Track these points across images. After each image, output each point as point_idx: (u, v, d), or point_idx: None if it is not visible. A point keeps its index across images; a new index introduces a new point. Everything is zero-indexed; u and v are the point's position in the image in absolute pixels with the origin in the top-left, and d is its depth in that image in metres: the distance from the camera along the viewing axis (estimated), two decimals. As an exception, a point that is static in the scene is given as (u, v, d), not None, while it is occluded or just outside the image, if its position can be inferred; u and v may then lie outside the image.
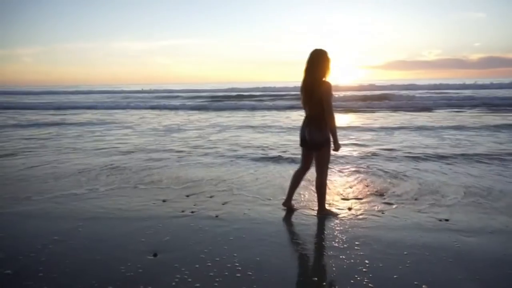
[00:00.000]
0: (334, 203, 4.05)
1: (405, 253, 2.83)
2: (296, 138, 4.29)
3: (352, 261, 2.71)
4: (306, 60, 3.43)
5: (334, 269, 2.60)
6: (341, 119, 13.11)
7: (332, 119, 3.38)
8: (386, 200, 4.12)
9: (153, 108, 20.16)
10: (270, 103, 20.97)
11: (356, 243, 3.02)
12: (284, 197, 3.90)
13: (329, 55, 3.41)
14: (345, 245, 2.98)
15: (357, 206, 3.93)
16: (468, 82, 40.32)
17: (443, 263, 2.66)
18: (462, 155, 6.48)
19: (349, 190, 4.58)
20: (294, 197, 4.11)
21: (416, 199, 4.16)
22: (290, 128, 10.63)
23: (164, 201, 4.19)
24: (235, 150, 7.34)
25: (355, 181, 4.97)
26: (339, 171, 5.53)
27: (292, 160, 6.00)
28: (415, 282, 2.40)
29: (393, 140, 8.27)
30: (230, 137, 9.16)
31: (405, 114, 14.65)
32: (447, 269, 2.58)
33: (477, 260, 2.72)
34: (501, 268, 2.61)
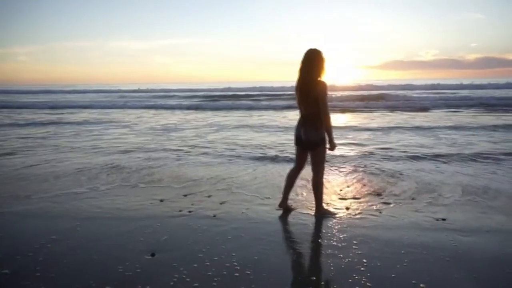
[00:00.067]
0: (332, 202, 4.06)
1: (402, 252, 2.84)
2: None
3: (350, 260, 2.71)
4: (301, 60, 3.43)
5: (332, 268, 2.61)
6: (338, 119, 13.14)
7: (327, 118, 3.39)
8: (383, 200, 4.13)
9: (150, 107, 20.11)
10: (267, 103, 20.97)
11: (354, 242, 3.03)
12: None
13: (324, 54, 3.42)
14: (343, 244, 2.98)
15: (355, 206, 3.94)
16: (464, 82, 40.46)
17: (441, 262, 2.67)
18: (459, 154, 6.52)
19: (347, 189, 4.59)
20: (291, 197, 4.12)
21: (413, 199, 4.17)
22: (287, 127, 10.63)
23: (161, 200, 4.18)
24: (233, 150, 7.34)
25: (353, 181, 4.99)
26: (337, 171, 5.55)
27: (290, 159, 5.98)
28: (413, 281, 2.41)
29: (390, 140, 8.30)
30: (227, 137, 9.16)
31: (402, 114, 14.69)
32: (444, 268, 2.59)
33: (474, 259, 2.73)
34: (498, 267, 2.63)
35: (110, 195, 4.43)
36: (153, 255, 2.82)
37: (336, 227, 3.35)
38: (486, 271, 2.56)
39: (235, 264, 2.66)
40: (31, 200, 4.26)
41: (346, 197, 4.26)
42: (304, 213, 3.74)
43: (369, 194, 4.37)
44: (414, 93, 26.21)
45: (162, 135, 9.68)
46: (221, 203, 4.06)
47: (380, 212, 3.72)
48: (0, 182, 5.07)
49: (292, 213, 3.76)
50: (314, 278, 2.49)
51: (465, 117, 13.11)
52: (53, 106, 20.96)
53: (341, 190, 4.58)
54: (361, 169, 5.61)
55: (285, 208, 3.82)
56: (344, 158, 6.39)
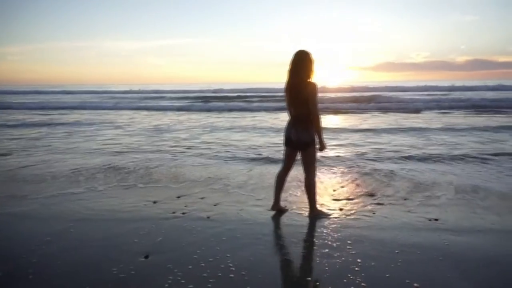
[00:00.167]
0: (325, 203, 4.07)
1: (396, 251, 2.87)
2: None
3: (344, 260, 2.73)
4: (290, 61, 3.45)
5: (327, 268, 2.62)
6: (330, 120, 13.21)
7: (318, 119, 3.41)
8: (376, 201, 4.16)
9: (142, 108, 19.98)
10: (260, 104, 20.98)
11: (348, 242, 3.06)
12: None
13: (312, 56, 3.44)
14: (337, 245, 3.00)
15: (348, 207, 3.97)
16: (455, 84, 40.93)
17: (434, 262, 2.70)
18: (450, 155, 6.60)
19: (340, 190, 4.62)
20: (284, 198, 4.14)
21: (405, 199, 4.21)
22: (281, 128, 10.65)
23: (154, 202, 4.16)
24: (226, 151, 7.33)
25: (346, 182, 5.01)
26: (330, 172, 5.57)
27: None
28: (407, 281, 2.44)
29: (382, 141, 8.36)
30: (221, 138, 9.14)
31: (393, 115, 14.80)
32: (437, 268, 2.62)
33: (467, 258, 2.77)
34: (489, 265, 2.66)
35: (103, 196, 4.40)
36: (146, 257, 2.81)
37: (330, 228, 3.37)
38: (478, 270, 2.59)
39: (230, 265, 2.66)
40: (25, 201, 4.23)
41: (339, 198, 4.28)
42: (298, 214, 3.75)
43: (362, 194, 4.40)
44: (405, 95, 26.45)
45: (155, 136, 9.63)
46: (214, 205, 4.05)
47: (374, 213, 3.75)
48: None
49: (286, 214, 3.77)
50: (309, 278, 2.50)
51: (456, 118, 13.26)
52: (44, 107, 20.73)
53: (334, 191, 4.60)
54: (353, 169, 5.64)
55: (278, 210, 3.82)
56: (337, 159, 6.42)
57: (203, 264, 2.67)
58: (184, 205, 4.03)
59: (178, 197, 4.36)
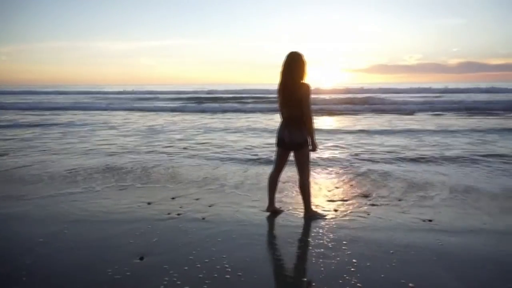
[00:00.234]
0: (320, 204, 4.09)
1: (391, 252, 2.89)
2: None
3: (340, 261, 2.74)
4: (283, 63, 3.46)
5: (323, 269, 2.63)
6: (324, 122, 13.27)
7: (310, 120, 3.43)
8: (371, 201, 4.19)
9: (136, 109, 19.87)
10: (255, 105, 20.99)
11: (344, 242, 3.07)
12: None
13: (305, 57, 3.45)
14: (332, 246, 3.01)
15: (343, 208, 3.98)
16: (447, 86, 41.36)
17: (428, 262, 2.72)
18: (442, 156, 6.66)
19: (335, 191, 4.64)
20: (280, 199, 4.15)
21: (400, 200, 4.24)
22: (275, 129, 10.65)
23: (149, 203, 4.14)
24: (221, 152, 7.32)
25: (340, 183, 5.04)
26: (324, 173, 5.59)
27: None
28: (402, 281, 2.46)
29: (376, 142, 8.41)
30: (215, 139, 9.13)
31: (387, 117, 14.90)
32: (432, 268, 2.64)
33: (460, 258, 2.80)
34: (482, 265, 2.69)
35: (97, 197, 4.37)
36: (141, 258, 2.79)
37: (325, 229, 3.38)
38: (472, 270, 2.62)
39: (226, 266, 2.66)
40: (19, 202, 4.20)
41: (334, 199, 4.30)
42: (293, 215, 3.76)
43: (357, 196, 4.42)
44: (399, 97, 26.67)
45: (150, 137, 9.59)
46: (210, 206, 4.04)
47: (368, 214, 3.77)
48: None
49: (281, 215, 3.78)
50: (305, 279, 2.51)
51: (448, 120, 13.39)
52: (36, 107, 20.54)
53: (329, 191, 4.62)
54: (348, 170, 5.67)
55: (273, 211, 3.82)
56: (331, 160, 6.45)
57: (199, 265, 2.67)
58: (179, 206, 4.02)
59: (173, 198, 4.35)
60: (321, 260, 2.76)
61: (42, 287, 2.41)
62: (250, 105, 21.28)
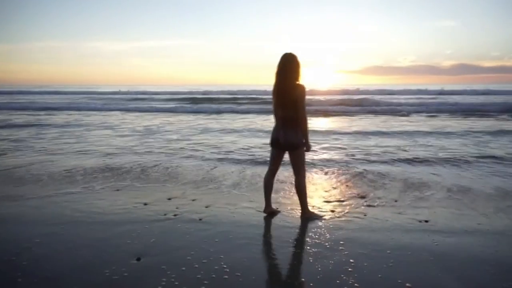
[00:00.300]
0: (317, 205, 4.10)
1: (388, 252, 2.90)
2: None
3: (337, 261, 2.75)
4: (277, 64, 3.48)
5: (320, 269, 2.63)
6: (320, 123, 13.30)
7: (305, 121, 3.46)
8: (367, 202, 4.20)
9: (132, 110, 19.79)
10: (251, 106, 20.99)
11: (341, 242, 3.08)
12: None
13: (299, 58, 3.47)
14: (330, 246, 3.02)
15: (340, 208, 4.00)
16: (441, 88, 41.64)
17: (425, 263, 2.74)
18: (437, 157, 6.71)
19: (331, 192, 4.65)
20: (277, 200, 4.15)
21: (396, 201, 4.27)
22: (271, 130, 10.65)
23: (145, 204, 4.12)
24: (217, 152, 7.32)
25: (337, 184, 5.06)
26: (321, 174, 5.61)
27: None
28: (399, 281, 2.47)
29: (371, 143, 8.45)
30: (212, 139, 9.12)
31: (382, 118, 14.98)
32: (429, 268, 2.66)
33: (456, 258, 2.82)
34: (479, 265, 2.72)
35: (93, 198, 4.35)
36: (138, 259, 2.78)
37: (322, 229, 3.39)
38: (468, 270, 2.64)
39: (224, 266, 2.65)
40: (14, 203, 4.17)
41: (331, 200, 4.31)
42: (290, 216, 3.76)
43: (353, 196, 4.44)
44: (393, 98, 26.81)
45: (145, 137, 9.55)
46: (206, 207, 4.03)
47: (365, 215, 3.79)
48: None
49: (278, 216, 3.78)
50: (304, 279, 2.51)
51: (442, 121, 13.48)
52: (30, 107, 20.39)
53: (326, 192, 4.64)
54: (344, 171, 5.69)
55: (270, 212, 3.82)
56: (327, 161, 6.46)
57: (196, 266, 2.66)
58: (176, 207, 4.01)
59: (169, 198, 4.33)
60: (318, 261, 2.77)
61: (39, 288, 2.39)
62: (246, 106, 21.28)
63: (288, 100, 3.42)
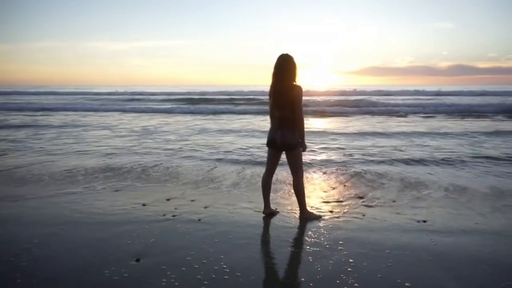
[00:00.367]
0: (316, 205, 4.11)
1: (387, 251, 2.92)
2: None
3: (337, 261, 2.76)
4: (274, 65, 3.50)
5: (320, 269, 2.64)
6: (317, 123, 13.32)
7: (302, 122, 3.48)
8: (365, 203, 4.22)
9: (129, 110, 19.72)
10: (249, 107, 21.00)
11: (340, 242, 3.10)
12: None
13: (295, 59, 3.50)
14: (329, 246, 3.03)
15: (338, 209, 4.01)
16: (437, 88, 41.80)
17: (424, 262, 2.76)
18: (433, 158, 6.74)
19: (330, 193, 4.67)
20: (276, 200, 4.16)
21: (394, 201, 4.29)
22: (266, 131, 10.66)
23: (144, 205, 4.12)
24: (215, 152, 7.32)
25: (335, 184, 5.07)
26: (319, 174, 5.62)
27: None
28: (398, 280, 2.48)
29: (369, 144, 8.48)
30: (209, 139, 9.12)
31: (380, 118, 15.02)
32: (428, 268, 2.68)
33: (455, 258, 2.84)
34: (476, 264, 2.74)
35: (91, 199, 4.34)
36: (138, 260, 2.77)
37: (321, 230, 3.40)
38: (465, 269, 2.66)
39: (224, 267, 2.66)
40: (13, 203, 4.15)
41: (329, 200, 4.32)
42: (288, 216, 3.78)
43: (352, 197, 4.46)
44: (391, 99, 26.89)
45: (143, 138, 9.53)
46: (205, 207, 4.03)
47: (363, 215, 3.80)
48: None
49: (277, 216, 3.79)
50: (303, 279, 2.52)
51: (439, 122, 13.54)
52: (24, 108, 20.29)
53: (324, 192, 4.66)
54: (342, 172, 5.71)
55: (269, 213, 3.83)
56: (325, 162, 6.48)
57: (196, 266, 2.67)
58: (174, 208, 4.01)
59: (168, 199, 4.33)
60: (318, 261, 2.78)
61: (38, 289, 2.39)
62: (243, 107, 21.27)
63: (285, 101, 3.44)
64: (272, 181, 3.87)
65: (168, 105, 23.20)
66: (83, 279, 2.50)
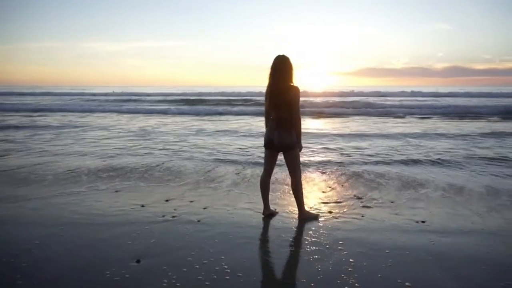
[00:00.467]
0: (315, 206, 4.13)
1: (387, 251, 2.94)
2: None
3: (337, 262, 2.77)
4: (271, 66, 3.51)
5: (320, 270, 2.65)
6: (314, 124, 13.35)
7: (299, 122, 3.50)
8: (364, 203, 4.24)
9: (126, 111, 19.63)
10: (246, 108, 20.99)
11: (340, 242, 3.12)
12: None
13: (291, 60, 3.51)
14: (329, 247, 3.05)
15: (337, 209, 4.02)
16: (433, 90, 42.01)
17: (423, 262, 2.78)
18: (431, 158, 6.77)
19: (328, 193, 4.68)
20: (274, 201, 4.17)
21: (392, 202, 4.31)
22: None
23: (142, 206, 4.12)
24: (214, 153, 7.31)
25: (333, 185, 5.09)
26: (317, 175, 5.63)
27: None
28: (399, 280, 2.50)
29: (366, 145, 8.50)
30: (207, 140, 9.11)
31: (376, 119, 15.06)
32: (427, 267, 2.70)
33: (453, 258, 2.86)
34: (474, 264, 2.77)
35: (90, 200, 4.33)
36: (138, 261, 2.77)
37: (321, 230, 3.42)
38: (466, 270, 2.68)
39: (225, 267, 2.66)
40: (13, 204, 4.15)
41: (328, 201, 4.34)
42: (288, 216, 3.79)
43: (350, 198, 4.47)
44: (388, 100, 27.00)
45: (141, 139, 9.50)
46: (204, 208, 4.04)
47: (362, 216, 3.82)
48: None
49: (276, 216, 3.80)
50: (304, 280, 2.52)
51: (437, 123, 13.60)
52: (21, 109, 20.18)
53: (323, 193, 4.68)
54: (340, 173, 5.72)
55: (269, 214, 3.84)
56: (323, 162, 6.50)
57: (197, 267, 2.67)
58: (173, 209, 4.01)
59: (167, 200, 4.33)
60: (318, 261, 2.79)
61: (39, 290, 2.38)
62: (241, 107, 21.26)
63: (282, 101, 3.45)
64: (271, 182, 3.88)
65: (165, 106, 23.13)
66: (83, 280, 2.50)
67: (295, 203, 3.79)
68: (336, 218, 3.74)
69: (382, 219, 3.72)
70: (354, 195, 4.56)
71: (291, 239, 3.24)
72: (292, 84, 3.48)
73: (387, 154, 7.25)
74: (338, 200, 4.36)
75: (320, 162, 6.52)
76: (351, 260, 2.79)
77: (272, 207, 3.94)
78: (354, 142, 8.91)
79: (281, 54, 3.52)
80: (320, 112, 17.95)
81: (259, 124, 13.06)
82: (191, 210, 3.96)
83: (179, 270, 2.61)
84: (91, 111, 19.69)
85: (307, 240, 3.21)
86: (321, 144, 8.55)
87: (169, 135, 10.20)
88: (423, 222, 3.64)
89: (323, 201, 4.35)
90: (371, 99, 25.88)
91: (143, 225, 3.52)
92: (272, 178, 3.94)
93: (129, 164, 6.27)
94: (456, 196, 4.56)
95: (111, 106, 22.40)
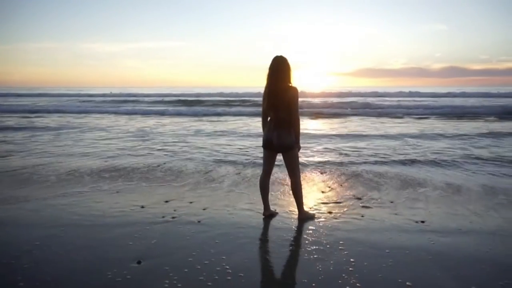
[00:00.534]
0: (315, 207, 4.13)
1: (387, 251, 2.95)
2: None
3: (338, 262, 2.78)
4: (269, 67, 3.52)
5: (321, 270, 2.66)
6: (312, 125, 13.37)
7: (298, 122, 3.52)
8: (364, 204, 4.25)
9: (124, 112, 19.59)
10: (244, 108, 20.99)
11: (341, 242, 3.12)
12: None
13: (289, 61, 3.52)
14: (329, 247, 3.05)
15: (337, 210, 4.03)
16: (431, 90, 42.12)
17: (423, 262, 2.79)
18: (430, 158, 6.79)
19: (328, 194, 4.69)
20: (274, 201, 4.17)
21: (391, 202, 4.32)
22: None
23: (142, 207, 4.12)
24: (213, 154, 7.32)
25: (333, 185, 5.10)
26: (316, 176, 5.65)
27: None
28: (399, 280, 2.51)
29: (364, 145, 8.52)
30: (206, 141, 9.11)
31: (374, 120, 15.10)
32: (427, 267, 2.71)
33: (453, 257, 2.87)
34: (474, 263, 2.78)
35: (89, 201, 4.33)
36: (139, 262, 2.77)
37: (322, 230, 3.43)
38: (464, 269, 2.70)
39: (226, 267, 2.67)
40: (13, 206, 4.14)
41: (328, 202, 4.35)
42: (287, 217, 3.80)
43: (350, 198, 4.49)
44: (386, 100, 27.06)
45: (139, 139, 9.49)
46: (204, 209, 4.04)
47: (362, 216, 3.83)
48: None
49: (276, 217, 3.81)
50: (306, 280, 2.53)
51: (435, 123, 13.65)
52: (17, 110, 20.11)
53: (322, 193, 4.69)
54: (339, 173, 5.74)
55: (269, 215, 3.85)
56: (321, 163, 6.51)
57: (198, 267, 2.67)
58: (173, 210, 4.01)
59: (166, 201, 4.33)
60: (319, 261, 2.80)
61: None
62: (238, 108, 21.26)
63: (281, 102, 3.46)
64: (271, 182, 3.89)
65: (164, 107, 23.11)
66: (84, 281, 2.50)
67: (295, 204, 3.79)
68: (336, 218, 3.75)
69: (382, 219, 3.74)
70: (354, 195, 4.57)
71: (291, 239, 3.25)
72: (290, 84, 3.49)
73: (386, 154, 7.27)
74: (338, 200, 4.37)
75: (319, 162, 6.54)
76: (351, 260, 2.80)
77: (272, 207, 3.95)
78: (353, 142, 8.93)
79: (279, 54, 3.53)
80: (318, 113, 17.98)
81: (257, 124, 13.07)
82: (191, 211, 3.96)
83: (181, 271, 2.62)
84: (89, 112, 19.64)
85: (308, 240, 3.22)
86: (320, 144, 8.57)
87: (168, 136, 10.20)
88: (422, 222, 3.66)
89: (322, 201, 4.36)
90: (369, 100, 25.94)
91: (144, 226, 3.52)
92: (272, 178, 3.95)
93: (127, 166, 6.27)
94: (454, 195, 4.59)
95: (108, 107, 22.36)
